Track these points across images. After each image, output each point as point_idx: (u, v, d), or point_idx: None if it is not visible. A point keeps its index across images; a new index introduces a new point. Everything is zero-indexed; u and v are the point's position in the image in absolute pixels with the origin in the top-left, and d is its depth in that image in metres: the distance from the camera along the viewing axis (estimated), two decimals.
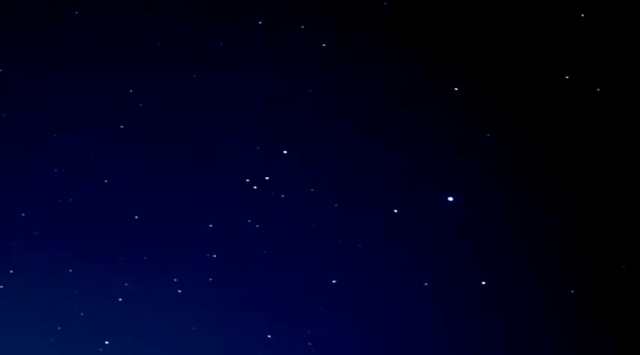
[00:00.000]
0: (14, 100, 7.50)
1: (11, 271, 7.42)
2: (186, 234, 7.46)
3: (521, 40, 7.12)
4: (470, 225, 7.33)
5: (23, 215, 7.45)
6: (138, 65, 7.46)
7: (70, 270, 7.44)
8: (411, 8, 7.25)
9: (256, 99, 7.42)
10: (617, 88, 6.95)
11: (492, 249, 7.31)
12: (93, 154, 7.49)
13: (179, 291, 7.41)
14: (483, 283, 7.28)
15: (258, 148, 7.41)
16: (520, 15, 7.07)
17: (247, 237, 7.44)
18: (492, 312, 7.28)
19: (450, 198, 7.30)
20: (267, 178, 7.42)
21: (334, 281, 7.38)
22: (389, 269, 7.39)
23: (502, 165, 7.26)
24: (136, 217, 7.46)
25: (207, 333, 7.41)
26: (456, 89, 7.26)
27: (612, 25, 6.97)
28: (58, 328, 7.41)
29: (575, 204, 7.10)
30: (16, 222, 7.44)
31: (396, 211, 7.36)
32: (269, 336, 7.39)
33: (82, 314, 7.42)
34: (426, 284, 7.33)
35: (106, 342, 7.39)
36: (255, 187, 7.42)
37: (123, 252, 7.45)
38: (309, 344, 7.39)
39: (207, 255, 7.44)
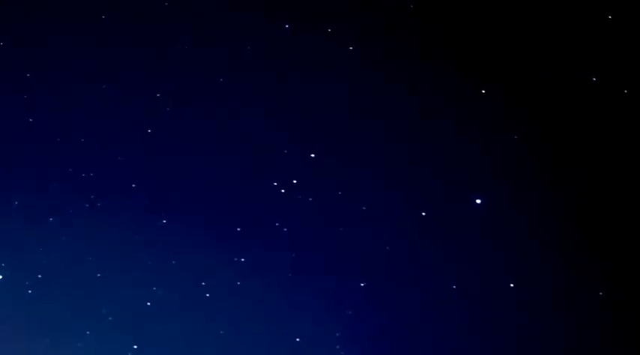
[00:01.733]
0: (42, 105, 7.51)
1: (39, 276, 7.42)
2: (215, 237, 7.46)
3: (549, 42, 7.15)
4: (497, 226, 7.33)
5: (51, 219, 7.45)
6: (164, 69, 7.48)
7: (99, 275, 7.44)
8: (437, 10, 7.28)
9: (284, 102, 7.44)
10: None
11: (520, 251, 7.31)
12: (121, 159, 7.49)
13: (207, 295, 7.42)
14: (512, 285, 7.28)
15: (285, 152, 7.42)
16: (548, 17, 7.10)
17: (275, 241, 7.44)
18: (521, 314, 7.27)
19: (478, 201, 7.31)
20: (294, 181, 7.43)
21: (363, 285, 7.38)
22: (417, 272, 7.39)
23: (530, 166, 7.28)
24: (164, 221, 7.46)
25: (235, 337, 7.41)
26: (483, 91, 7.27)
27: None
28: (87, 332, 7.41)
29: (604, 205, 7.11)
30: (44, 227, 7.44)
31: (424, 214, 7.37)
32: (298, 339, 7.38)
33: (110, 318, 7.42)
34: (454, 286, 7.33)
35: (135, 346, 7.38)
36: (282, 191, 7.43)
37: (151, 256, 7.45)
38: (338, 347, 7.38)
39: (235, 259, 7.44)
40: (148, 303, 7.41)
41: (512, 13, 7.15)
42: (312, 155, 7.42)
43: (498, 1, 7.21)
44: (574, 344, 7.14)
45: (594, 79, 7.13)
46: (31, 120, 7.52)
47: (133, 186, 7.49)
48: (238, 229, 7.46)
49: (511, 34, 7.17)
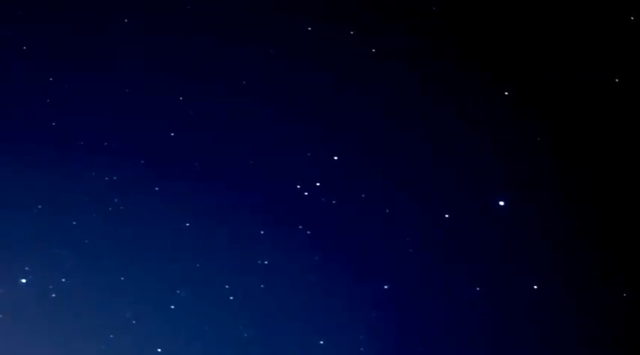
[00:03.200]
0: (65, 108, 7.53)
1: (63, 279, 7.43)
2: (238, 240, 7.47)
3: (570, 44, 7.17)
4: (520, 228, 7.35)
5: (74, 223, 7.46)
6: (187, 71, 7.50)
7: (122, 278, 7.44)
8: (461, 12, 7.30)
9: (306, 105, 7.46)
10: None
11: (544, 253, 7.33)
12: (143, 162, 7.51)
13: (231, 298, 7.42)
14: (535, 287, 7.29)
15: (308, 154, 7.44)
16: (573, 17, 7.12)
17: (299, 244, 7.45)
18: (545, 316, 7.28)
19: (501, 202, 7.32)
20: (317, 184, 7.44)
21: (386, 287, 7.39)
22: (440, 274, 7.40)
23: (553, 168, 7.29)
24: (187, 224, 7.47)
25: (258, 340, 7.41)
26: (506, 93, 7.30)
27: None
28: (110, 336, 7.41)
29: (629, 207, 7.12)
30: (67, 231, 7.45)
31: (447, 216, 7.38)
32: (321, 342, 7.39)
33: (134, 321, 7.42)
34: (477, 288, 7.34)
35: (159, 350, 7.39)
36: (306, 193, 7.45)
37: (174, 259, 7.46)
38: (362, 349, 7.39)
39: (259, 262, 7.45)
40: (172, 306, 7.42)
41: (536, 14, 7.17)
42: (335, 158, 7.44)
43: (522, 3, 7.23)
44: (598, 345, 7.15)
45: (617, 80, 7.15)
46: (53, 123, 7.53)
47: (156, 189, 7.50)
48: (262, 232, 7.47)
49: (536, 35, 7.19)
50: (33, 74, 7.53)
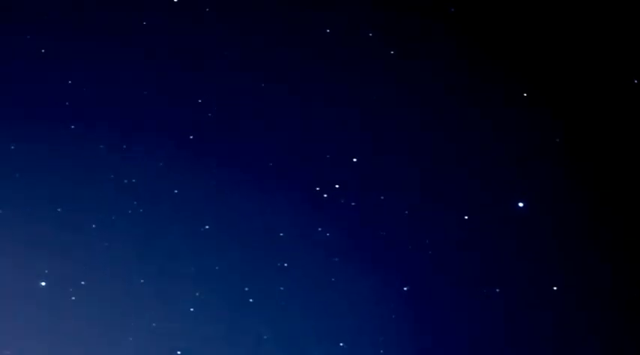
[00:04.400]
0: (84, 111, 7.53)
1: (82, 282, 7.42)
2: (257, 242, 7.47)
3: (593, 44, 7.17)
4: (540, 229, 7.35)
5: (94, 226, 7.46)
6: (207, 75, 7.51)
7: (142, 281, 7.43)
8: (478, 13, 7.31)
9: (324, 107, 7.47)
10: None
11: (564, 255, 7.33)
12: (162, 164, 7.51)
13: (250, 300, 7.42)
14: (555, 288, 7.29)
15: (328, 156, 7.44)
16: (592, 19, 7.13)
17: (318, 246, 7.45)
18: (565, 317, 7.28)
19: (521, 204, 7.32)
20: (337, 186, 7.44)
21: (406, 289, 7.39)
22: (460, 276, 7.40)
23: (573, 169, 7.30)
24: (207, 227, 7.47)
25: (278, 342, 7.40)
26: (525, 94, 7.30)
27: None
28: (130, 339, 7.40)
29: None
30: (86, 234, 7.45)
31: (466, 217, 7.38)
32: (341, 344, 7.38)
33: (153, 324, 7.41)
34: (497, 290, 7.34)
35: (178, 352, 7.38)
36: (325, 195, 7.45)
37: (194, 261, 7.46)
38: (382, 351, 7.38)
39: (279, 264, 7.45)
40: (192, 309, 7.42)
41: (560, 15, 7.18)
42: (354, 159, 7.44)
43: (542, 4, 7.25)
44: (621, 347, 7.14)
45: (635, 81, 7.15)
46: (72, 126, 7.53)
47: (175, 191, 7.50)
48: (281, 234, 7.47)
49: (557, 36, 7.20)
50: (52, 76, 7.53)
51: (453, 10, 7.36)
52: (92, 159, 7.50)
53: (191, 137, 7.52)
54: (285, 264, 7.44)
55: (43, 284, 7.41)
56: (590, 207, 7.32)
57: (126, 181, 7.49)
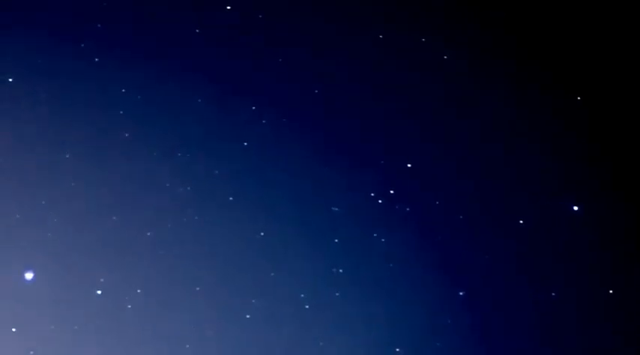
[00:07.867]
0: (138, 119, 7.57)
1: (138, 290, 7.42)
2: (313, 249, 7.48)
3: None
4: (596, 233, 7.36)
5: (149, 234, 7.47)
6: (260, 81, 7.56)
7: (198, 288, 7.43)
8: (532, 18, 7.36)
9: (379, 113, 7.51)
10: None
11: (619, 257, 7.34)
12: (217, 172, 7.53)
13: (306, 307, 7.41)
14: (611, 291, 7.30)
15: (382, 162, 7.47)
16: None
17: (373, 251, 7.46)
18: (621, 320, 7.28)
19: (576, 207, 7.34)
20: (392, 192, 7.47)
21: (462, 294, 7.39)
22: (516, 281, 7.41)
23: (627, 172, 7.32)
24: (262, 234, 7.48)
25: (334, 348, 7.40)
26: (579, 98, 7.34)
27: None
28: (187, 346, 7.39)
29: None
30: (142, 242, 7.45)
31: (521, 222, 7.40)
32: (397, 350, 7.37)
33: (210, 332, 7.40)
34: (553, 294, 7.35)
35: None
36: (380, 201, 7.47)
37: (249, 268, 7.46)
38: None
39: (334, 270, 7.45)
40: (248, 316, 7.41)
41: (612, 18, 7.23)
42: (409, 165, 7.47)
43: (592, 6, 7.30)
44: None
45: None
46: (127, 135, 7.55)
47: (230, 199, 7.51)
48: (336, 240, 7.48)
49: (610, 38, 7.24)
50: (106, 85, 7.57)
51: (503, 13, 7.40)
52: (147, 167, 7.52)
53: (245, 144, 7.55)
54: (341, 270, 7.45)
55: (99, 292, 7.41)
56: None
57: (181, 189, 7.50)
